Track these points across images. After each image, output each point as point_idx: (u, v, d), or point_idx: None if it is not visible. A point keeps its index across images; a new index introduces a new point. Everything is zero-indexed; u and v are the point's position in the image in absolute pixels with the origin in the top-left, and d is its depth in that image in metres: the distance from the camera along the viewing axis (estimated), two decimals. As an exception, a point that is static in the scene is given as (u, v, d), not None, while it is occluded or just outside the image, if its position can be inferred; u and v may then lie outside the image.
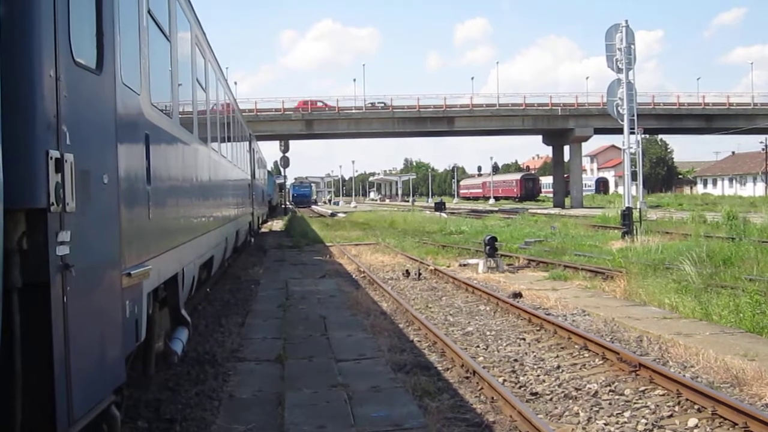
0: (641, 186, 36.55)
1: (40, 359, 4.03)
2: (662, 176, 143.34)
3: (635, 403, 8.81)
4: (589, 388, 9.45)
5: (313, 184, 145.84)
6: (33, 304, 4.00)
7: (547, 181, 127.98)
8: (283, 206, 79.56)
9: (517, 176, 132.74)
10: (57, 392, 4.09)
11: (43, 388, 4.05)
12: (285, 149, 68.45)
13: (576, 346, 11.64)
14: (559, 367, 10.61)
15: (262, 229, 45.46)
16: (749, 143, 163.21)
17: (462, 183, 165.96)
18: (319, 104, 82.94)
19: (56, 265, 4.13)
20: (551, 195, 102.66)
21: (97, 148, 5.05)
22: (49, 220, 4.07)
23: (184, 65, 10.15)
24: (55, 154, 4.13)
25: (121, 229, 5.51)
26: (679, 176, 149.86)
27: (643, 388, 9.30)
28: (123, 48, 5.79)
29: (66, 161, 4.25)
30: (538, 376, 10.22)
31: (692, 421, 8.01)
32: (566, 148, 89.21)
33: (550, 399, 9.16)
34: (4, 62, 3.78)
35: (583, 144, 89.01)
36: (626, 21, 32.03)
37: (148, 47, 7.03)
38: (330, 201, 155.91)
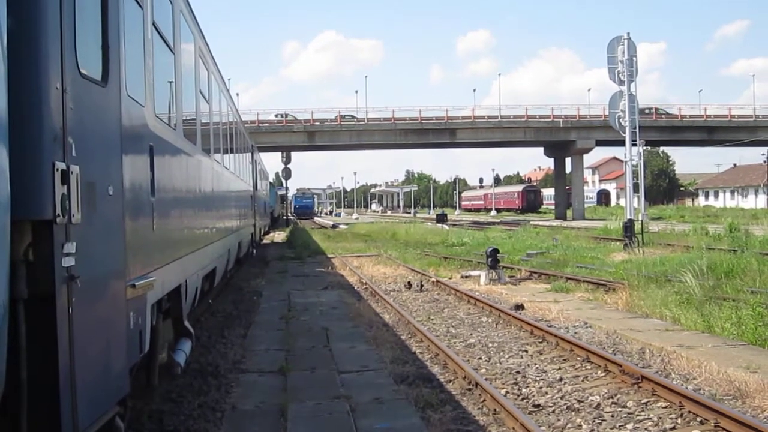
0: (643, 198, 36.48)
1: (46, 370, 4.04)
2: (664, 188, 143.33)
3: (638, 415, 8.79)
4: (592, 401, 9.44)
5: (315, 196, 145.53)
6: (38, 315, 4.01)
7: (548, 192, 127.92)
8: (284, 218, 79.60)
9: (519, 188, 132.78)
10: (62, 403, 4.11)
11: (48, 399, 4.07)
12: (287, 161, 68.50)
13: (578, 358, 11.63)
14: (561, 379, 10.60)
15: (264, 241, 45.51)
16: (751, 155, 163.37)
17: (464, 195, 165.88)
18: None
19: (62, 277, 4.15)
20: (553, 207, 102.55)
21: (102, 160, 5.07)
22: (55, 232, 4.09)
23: (188, 77, 10.18)
24: (61, 165, 4.15)
25: (126, 241, 5.53)
26: (681, 188, 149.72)
27: (645, 401, 9.29)
28: (128, 60, 5.82)
29: (72, 173, 4.27)
30: (541, 388, 10.21)
31: (695, 434, 8.01)
32: (568, 160, 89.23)
33: (553, 411, 9.14)
34: (12, 74, 3.80)
35: (585, 156, 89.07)
36: (628, 33, 32.14)
37: (152, 59, 7.06)
38: (331, 212, 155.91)
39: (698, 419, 8.37)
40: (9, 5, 3.82)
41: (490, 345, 13.16)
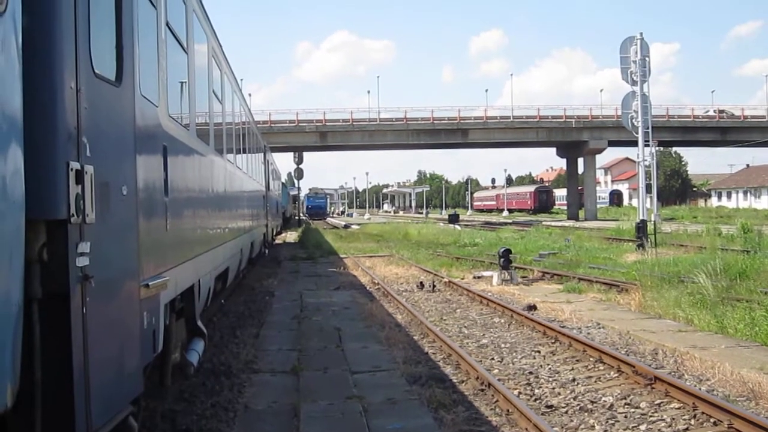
0: (655, 198, 36.46)
1: (60, 370, 4.04)
2: (676, 189, 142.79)
3: (651, 416, 8.77)
4: (605, 401, 9.41)
5: (327, 196, 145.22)
6: (53, 314, 4.01)
7: (561, 193, 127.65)
8: (297, 218, 79.69)
9: (531, 188, 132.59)
10: (76, 403, 4.11)
11: (62, 398, 4.07)
12: (299, 161, 68.58)
13: (591, 359, 11.60)
14: (574, 379, 10.58)
15: (276, 241, 45.55)
16: (764, 156, 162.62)
17: (476, 195, 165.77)
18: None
19: (76, 276, 4.15)
20: (565, 207, 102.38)
21: (116, 160, 5.08)
22: (69, 232, 4.09)
23: (201, 77, 10.19)
24: (75, 165, 4.16)
25: (140, 241, 5.54)
26: (694, 189, 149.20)
27: (658, 401, 9.26)
28: (142, 60, 5.83)
29: (86, 173, 4.28)
30: (554, 388, 10.19)
31: (709, 435, 7.97)
32: (580, 161, 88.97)
33: (566, 412, 9.12)
34: (26, 74, 3.80)
35: (597, 156, 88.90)
36: (641, 34, 32.12)
37: (166, 59, 7.07)
38: (344, 213, 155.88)
39: (711, 420, 8.34)
40: (24, 5, 3.83)
41: (502, 345, 13.14)
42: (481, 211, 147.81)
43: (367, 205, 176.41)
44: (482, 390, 9.98)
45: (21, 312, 3.70)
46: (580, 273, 23.02)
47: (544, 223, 67.41)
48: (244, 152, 18.10)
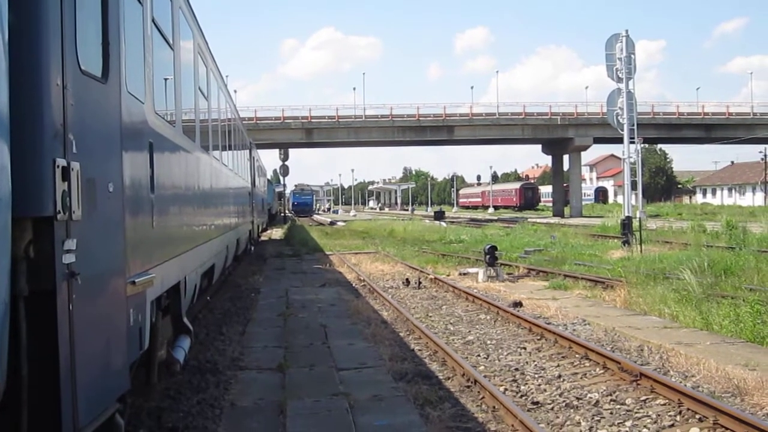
0: (641, 195, 36.56)
1: (46, 367, 4.03)
2: (662, 186, 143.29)
3: (637, 412, 8.80)
4: (591, 398, 9.44)
5: (313, 192, 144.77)
6: (39, 311, 4.00)
7: (546, 190, 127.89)
8: (282, 215, 79.53)
9: (517, 185, 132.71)
10: (63, 400, 4.10)
11: (48, 395, 4.06)
12: (285, 158, 68.43)
13: (577, 356, 11.64)
14: (560, 376, 10.61)
15: (262, 238, 45.47)
16: (748, 153, 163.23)
17: (461, 192, 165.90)
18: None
19: (62, 273, 4.14)
20: (550, 204, 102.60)
21: (102, 157, 5.06)
22: (55, 228, 4.08)
23: (187, 74, 10.15)
24: (61, 162, 4.14)
25: (126, 238, 5.52)
26: (679, 186, 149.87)
27: (644, 398, 9.29)
28: (128, 56, 5.81)
29: (72, 169, 4.26)
30: (540, 385, 10.21)
31: (694, 431, 8.00)
32: (566, 158, 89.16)
33: (552, 408, 9.15)
34: (13, 71, 3.78)
35: (583, 153, 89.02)
36: (626, 31, 32.14)
37: (152, 56, 7.05)
38: (329, 209, 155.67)
39: (697, 416, 8.38)
40: (10, 1, 3.81)
41: (488, 342, 13.16)
42: (467, 208, 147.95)
43: (353, 202, 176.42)
44: (468, 387, 10.00)
45: (7, 309, 3.68)
46: (565, 270, 23.11)
47: (529, 220, 67.56)
48: (230, 149, 18.06)
